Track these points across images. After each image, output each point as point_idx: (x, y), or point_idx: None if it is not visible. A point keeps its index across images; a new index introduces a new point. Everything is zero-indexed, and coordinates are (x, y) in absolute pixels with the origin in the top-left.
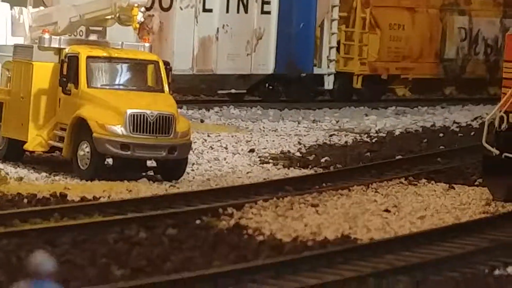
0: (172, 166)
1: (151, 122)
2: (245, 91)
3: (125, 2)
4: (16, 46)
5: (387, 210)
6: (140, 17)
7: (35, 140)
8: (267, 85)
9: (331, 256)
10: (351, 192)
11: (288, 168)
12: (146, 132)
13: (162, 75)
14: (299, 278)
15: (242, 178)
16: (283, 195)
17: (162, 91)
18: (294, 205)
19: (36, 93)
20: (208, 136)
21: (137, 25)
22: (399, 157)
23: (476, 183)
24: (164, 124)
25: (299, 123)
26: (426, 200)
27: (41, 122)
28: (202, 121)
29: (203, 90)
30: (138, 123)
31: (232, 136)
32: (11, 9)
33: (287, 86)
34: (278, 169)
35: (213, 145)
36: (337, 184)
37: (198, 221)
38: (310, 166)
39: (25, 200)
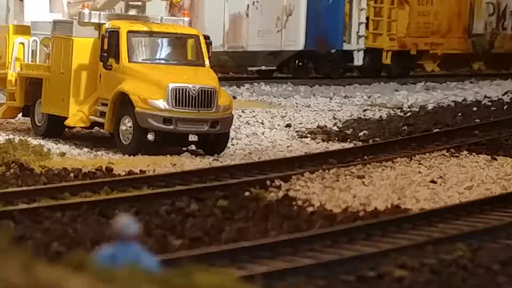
0: (214, 140)
1: (193, 96)
2: (275, 67)
3: None
4: (55, 22)
5: (433, 181)
6: None
7: (76, 115)
8: (297, 61)
9: (384, 225)
10: (395, 164)
11: (327, 142)
12: (188, 106)
13: (203, 49)
14: (355, 247)
15: (284, 151)
16: (328, 167)
17: (203, 65)
18: (340, 177)
19: (76, 68)
20: (243, 112)
21: (178, 0)
22: (437, 130)
23: None
24: (206, 98)
25: (331, 98)
26: (470, 171)
27: (81, 97)
28: (234, 97)
29: (233, 67)
30: (180, 97)
31: (267, 112)
32: None
33: (317, 63)
34: (318, 143)
35: (249, 120)
36: (380, 157)
37: (247, 193)
38: (349, 140)
39: (72, 175)
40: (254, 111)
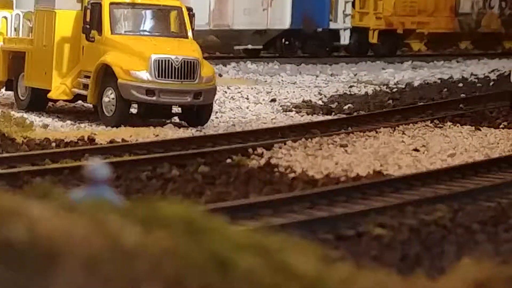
0: (198, 112)
1: (176, 67)
2: (261, 47)
3: None
4: None
5: (416, 150)
6: None
7: (59, 88)
8: (283, 40)
9: (365, 188)
10: (378, 134)
11: (312, 115)
12: (171, 77)
13: (186, 21)
14: (335, 209)
15: (268, 124)
16: (311, 136)
17: (186, 36)
18: (322, 145)
19: (59, 41)
20: (228, 88)
21: None
22: (422, 103)
23: (501, 125)
24: (189, 69)
25: (317, 76)
26: (454, 140)
27: (64, 70)
28: (220, 75)
29: (219, 46)
30: (163, 68)
31: (252, 88)
32: None
33: (304, 41)
34: (302, 116)
35: (234, 96)
36: (363, 127)
37: (229, 160)
38: (333, 113)
39: (53, 144)
40: (239, 88)
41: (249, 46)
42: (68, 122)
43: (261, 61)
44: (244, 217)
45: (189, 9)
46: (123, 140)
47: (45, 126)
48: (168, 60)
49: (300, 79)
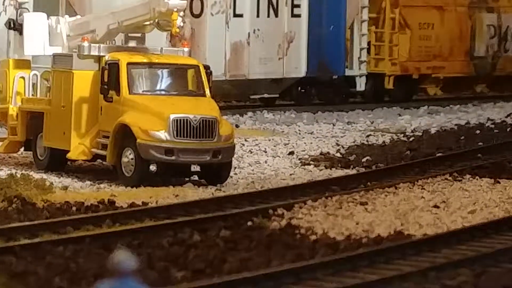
0: (217, 170)
1: (194, 126)
2: (277, 95)
3: (164, 6)
4: (55, 56)
5: (436, 206)
6: (179, 21)
7: (78, 148)
8: (299, 88)
9: (388, 252)
10: (397, 190)
11: (330, 169)
12: (190, 137)
13: (203, 79)
14: (358, 275)
15: (287, 179)
16: (331, 195)
17: (204, 95)
18: (342, 204)
19: (77, 101)
20: (246, 140)
21: (177, 30)
22: (440, 154)
23: None
24: (207, 128)
25: (334, 125)
26: (473, 195)
27: (83, 130)
28: (237, 126)
29: (235, 96)
30: (182, 127)
31: (270, 140)
32: (47, 19)
33: (320, 89)
34: (321, 170)
35: (252, 149)
36: (382, 182)
37: (249, 223)
38: (352, 166)
39: (74, 208)
40: (257, 140)
41: (266, 95)
42: (88, 182)
43: (278, 110)
44: (267, 286)
45: (206, 67)
46: (143, 203)
47: (65, 187)
48: (187, 120)
49: (317, 128)
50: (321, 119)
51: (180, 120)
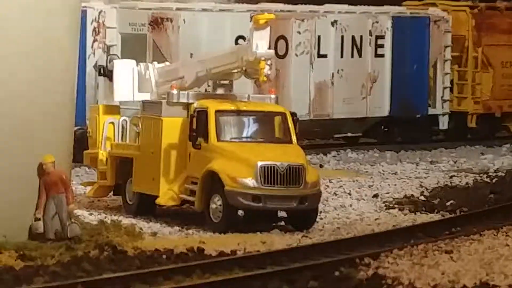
0: (303, 216)
1: (281, 173)
2: (361, 134)
3: (252, 56)
4: (144, 102)
5: None
6: (267, 70)
7: (167, 194)
8: (382, 127)
9: None
10: (482, 237)
11: (415, 213)
12: (277, 184)
13: (290, 126)
14: None
15: (372, 225)
16: (416, 243)
17: (290, 142)
18: (428, 252)
19: (166, 147)
20: (330, 182)
21: (265, 78)
22: None
23: None
24: (294, 175)
25: (417, 164)
26: None
27: (172, 176)
28: (321, 166)
29: (319, 134)
30: (269, 175)
31: (354, 181)
32: (136, 65)
33: (403, 128)
34: (405, 214)
35: (336, 191)
36: (467, 229)
37: (337, 273)
38: (436, 210)
39: (164, 256)
40: (341, 181)
41: (349, 134)
42: (176, 227)
43: (361, 149)
44: None
45: (293, 114)
46: (232, 251)
47: (154, 234)
48: (274, 167)
49: (400, 168)
50: (404, 158)
51: (268, 167)
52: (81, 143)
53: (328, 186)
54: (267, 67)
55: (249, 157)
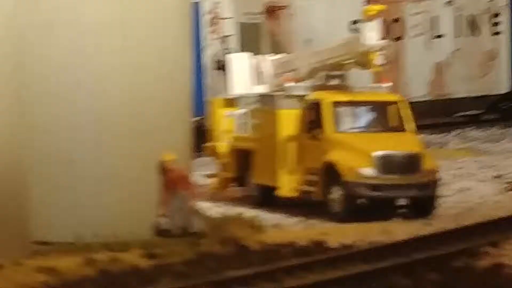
0: (422, 204)
1: (399, 162)
2: (482, 111)
3: (362, 47)
4: (261, 95)
5: None
6: (380, 60)
7: (287, 185)
8: (503, 104)
9: None
10: None
11: None
12: (395, 173)
13: (405, 114)
14: None
15: (493, 210)
16: None
17: (405, 130)
18: None
19: (283, 140)
20: (452, 162)
21: (377, 69)
22: None
23: None
24: (412, 163)
25: None
26: None
27: (290, 167)
28: (442, 146)
29: (440, 114)
30: (387, 164)
31: (476, 161)
32: (252, 58)
33: None
34: None
35: (457, 173)
36: None
37: (458, 263)
38: None
39: (286, 250)
40: (463, 162)
41: (470, 112)
42: (296, 219)
43: (483, 126)
44: None
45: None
46: (352, 245)
47: (276, 225)
48: (391, 156)
49: None
50: None
51: (385, 156)
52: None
53: (450, 168)
54: (381, 57)
55: (365, 147)
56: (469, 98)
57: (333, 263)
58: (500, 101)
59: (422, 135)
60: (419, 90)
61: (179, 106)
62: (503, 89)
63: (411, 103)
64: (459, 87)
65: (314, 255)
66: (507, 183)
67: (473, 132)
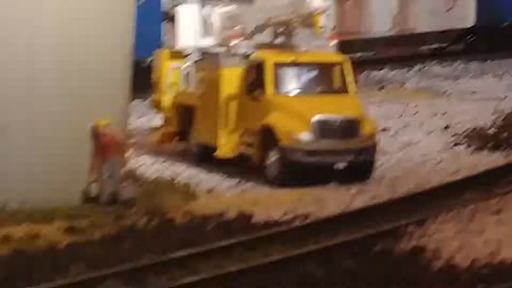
0: (359, 169)
1: (337, 127)
2: (446, 45)
3: (307, 9)
4: (204, 51)
5: None
6: (323, 21)
7: (225, 146)
8: (468, 38)
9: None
10: None
11: (481, 151)
12: (332, 138)
13: (348, 76)
14: None
15: (431, 174)
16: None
17: (348, 92)
18: (476, 215)
19: (224, 98)
20: (406, 106)
21: (321, 31)
22: None
23: None
24: (350, 128)
25: (500, 78)
26: None
27: (230, 127)
28: (402, 84)
29: (403, 49)
30: (324, 129)
31: (430, 105)
32: (201, 9)
33: (489, 38)
34: (471, 154)
35: (408, 120)
36: None
37: (377, 248)
38: (501, 147)
39: (210, 226)
40: (417, 106)
41: (434, 46)
42: (233, 181)
43: (446, 60)
44: None
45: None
46: (280, 218)
47: (210, 191)
48: (329, 121)
49: (481, 85)
50: (489, 71)
51: (323, 121)
52: None
53: (402, 114)
54: (323, 18)
55: (305, 110)
56: (435, 32)
57: (249, 248)
58: (465, 34)
59: (384, 71)
60: (384, 25)
61: (116, 69)
62: (468, 23)
63: (375, 38)
64: (425, 22)
65: (235, 234)
66: (454, 135)
67: (435, 68)
